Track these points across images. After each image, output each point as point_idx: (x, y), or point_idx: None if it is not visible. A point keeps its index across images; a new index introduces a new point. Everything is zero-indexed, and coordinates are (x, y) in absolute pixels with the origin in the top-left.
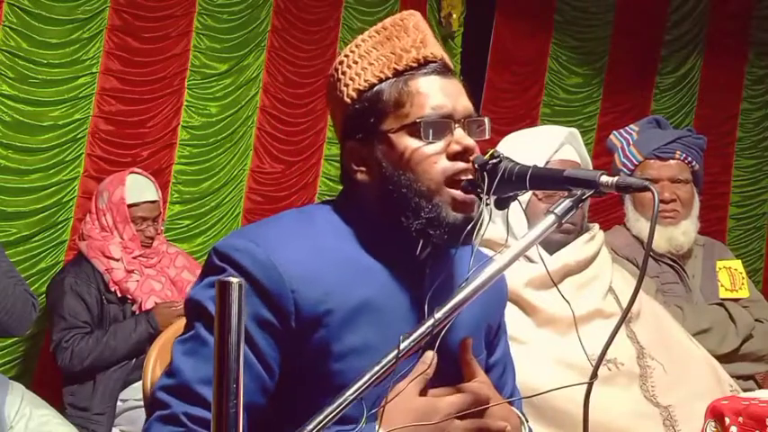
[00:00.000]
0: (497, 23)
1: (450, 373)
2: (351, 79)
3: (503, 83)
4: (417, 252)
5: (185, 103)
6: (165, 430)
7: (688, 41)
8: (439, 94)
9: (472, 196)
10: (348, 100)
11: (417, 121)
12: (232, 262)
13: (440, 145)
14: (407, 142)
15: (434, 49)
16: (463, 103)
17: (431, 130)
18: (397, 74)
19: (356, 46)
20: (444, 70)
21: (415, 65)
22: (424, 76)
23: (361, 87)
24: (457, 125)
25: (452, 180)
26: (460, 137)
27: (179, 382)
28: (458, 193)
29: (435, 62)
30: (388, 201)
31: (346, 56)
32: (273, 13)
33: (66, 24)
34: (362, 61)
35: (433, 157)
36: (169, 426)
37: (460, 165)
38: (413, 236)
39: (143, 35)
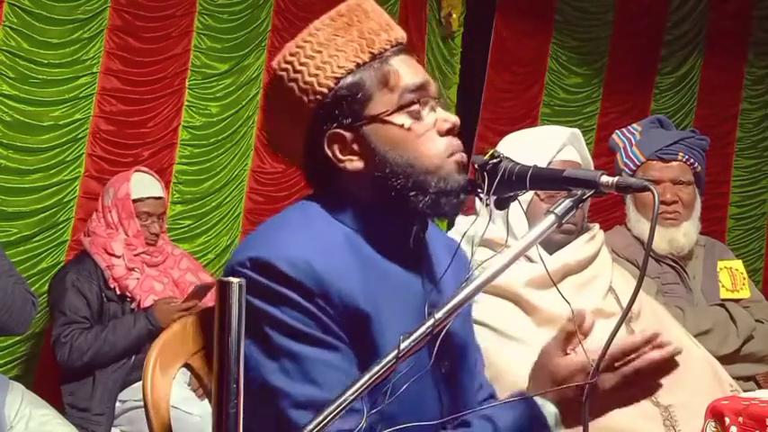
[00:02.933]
0: (497, 23)
1: (444, 362)
2: (318, 69)
3: (503, 83)
4: (410, 242)
5: (186, 103)
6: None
7: (688, 41)
8: (416, 73)
9: (474, 166)
10: (323, 89)
11: (413, 100)
12: (277, 274)
13: (429, 122)
14: (402, 121)
15: (400, 30)
16: (433, 82)
17: (419, 108)
18: (373, 57)
19: (311, 35)
20: (409, 50)
21: (388, 47)
22: (396, 55)
23: (337, 74)
24: (434, 102)
25: (451, 153)
26: (445, 114)
27: (313, 399)
28: (458, 156)
29: (402, 43)
30: (387, 184)
31: (300, 47)
32: (274, 13)
33: (67, 24)
34: (327, 49)
35: (429, 134)
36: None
37: (455, 141)
38: (416, 213)
39: (143, 35)
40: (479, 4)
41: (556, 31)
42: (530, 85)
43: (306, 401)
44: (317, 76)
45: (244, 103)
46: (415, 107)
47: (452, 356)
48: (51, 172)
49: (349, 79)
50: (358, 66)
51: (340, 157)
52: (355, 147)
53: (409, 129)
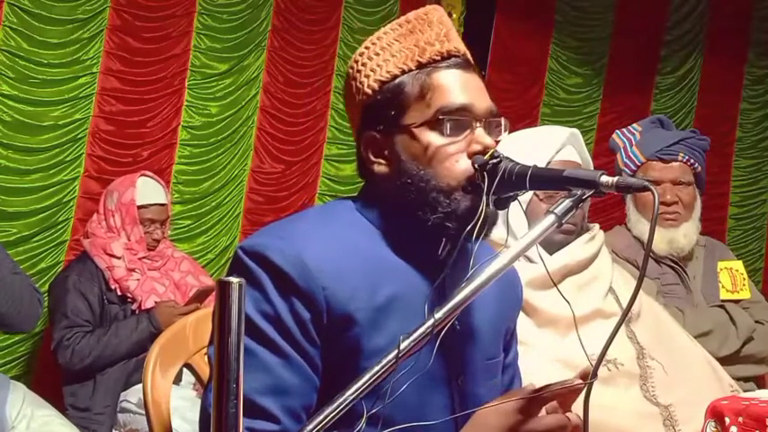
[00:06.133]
0: (497, 23)
1: (460, 376)
2: (371, 70)
3: (503, 83)
4: (439, 251)
5: (185, 103)
6: None
7: (688, 41)
8: (461, 89)
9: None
10: (369, 90)
11: (441, 117)
12: (262, 259)
13: (461, 143)
14: (430, 138)
15: (458, 43)
16: (485, 101)
17: (453, 127)
18: (420, 66)
19: (377, 38)
20: (467, 65)
21: (438, 58)
22: (446, 69)
23: (383, 78)
24: (478, 123)
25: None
26: (481, 136)
27: None
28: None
29: (458, 56)
30: (405, 193)
31: (367, 48)
32: (273, 13)
33: (67, 24)
34: (384, 53)
35: (455, 156)
36: None
37: None
38: (430, 230)
39: (143, 35)
40: (479, 4)
41: (556, 31)
42: (530, 85)
43: None
44: (368, 77)
45: (243, 104)
46: (450, 126)
47: (469, 372)
48: (51, 172)
49: (391, 85)
50: (403, 72)
51: (372, 159)
52: (386, 152)
53: (436, 147)
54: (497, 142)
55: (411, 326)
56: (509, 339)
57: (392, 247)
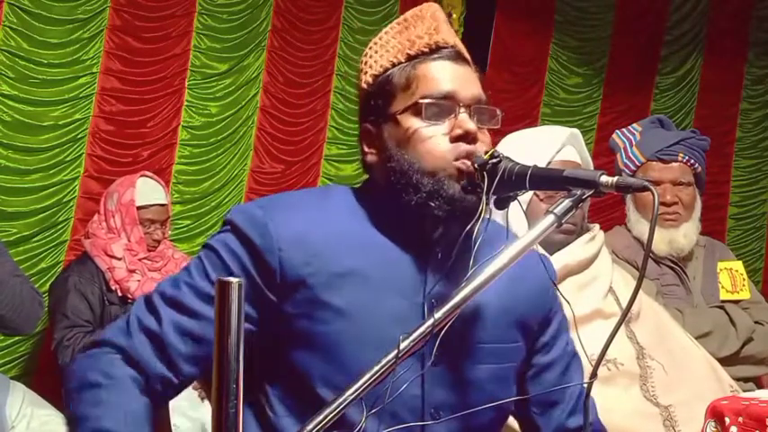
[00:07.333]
0: (497, 23)
1: (454, 360)
2: (370, 66)
3: (503, 83)
4: (433, 233)
5: (185, 103)
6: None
7: (688, 41)
8: (446, 77)
9: (473, 166)
10: (365, 85)
11: (420, 101)
12: (231, 222)
13: (443, 127)
14: (411, 122)
15: (448, 35)
16: (472, 90)
17: (432, 111)
18: (410, 58)
19: (379, 38)
20: (456, 56)
21: (426, 50)
22: (434, 61)
23: (376, 72)
24: (462, 109)
25: (457, 159)
26: (463, 120)
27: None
28: (461, 163)
29: (447, 48)
30: (391, 178)
31: (370, 47)
32: (273, 13)
33: (67, 24)
34: (381, 50)
35: (436, 138)
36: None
37: (463, 147)
38: (416, 211)
39: (143, 35)
40: (479, 4)
41: (556, 31)
42: (530, 85)
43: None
44: (365, 74)
45: (243, 103)
46: (429, 108)
47: (451, 352)
48: (51, 172)
49: (382, 78)
50: (394, 65)
51: (365, 149)
52: (376, 142)
53: (415, 130)
54: (495, 142)
55: (371, 297)
56: (546, 336)
57: (377, 228)
